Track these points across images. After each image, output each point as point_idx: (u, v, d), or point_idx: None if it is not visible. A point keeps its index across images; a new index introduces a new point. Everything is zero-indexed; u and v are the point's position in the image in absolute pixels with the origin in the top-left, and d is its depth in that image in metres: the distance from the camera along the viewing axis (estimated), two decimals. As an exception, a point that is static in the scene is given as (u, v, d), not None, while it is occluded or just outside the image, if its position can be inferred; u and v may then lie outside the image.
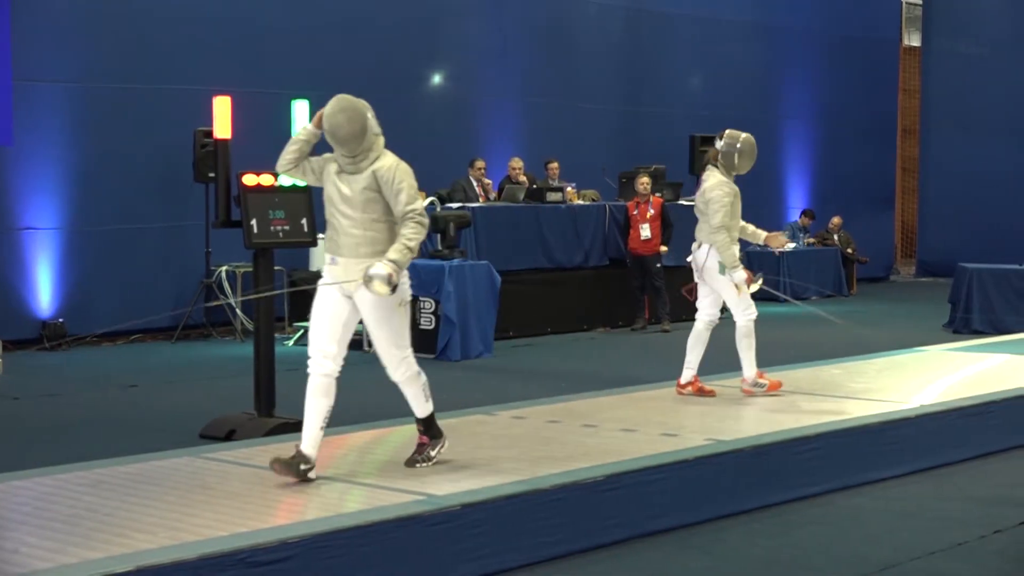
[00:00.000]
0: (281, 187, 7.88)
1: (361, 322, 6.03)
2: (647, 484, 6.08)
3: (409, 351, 6.05)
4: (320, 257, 7.22)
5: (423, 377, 6.13)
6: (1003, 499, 6.89)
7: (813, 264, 18.71)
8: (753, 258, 16.02)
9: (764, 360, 8.54)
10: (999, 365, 9.98)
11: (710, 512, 6.31)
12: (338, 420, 7.30)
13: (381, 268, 5.68)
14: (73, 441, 8.22)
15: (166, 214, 13.66)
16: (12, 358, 11.44)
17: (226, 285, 13.25)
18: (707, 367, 8.53)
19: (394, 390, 6.17)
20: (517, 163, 15.20)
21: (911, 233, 24.24)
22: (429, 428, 6.22)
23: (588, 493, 5.84)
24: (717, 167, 8.27)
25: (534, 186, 14.71)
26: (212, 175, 9.40)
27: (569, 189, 14.86)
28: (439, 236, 12.60)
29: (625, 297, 14.72)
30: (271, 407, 7.99)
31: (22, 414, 9.28)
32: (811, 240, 19.77)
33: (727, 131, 8.33)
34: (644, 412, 7.80)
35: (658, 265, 14.49)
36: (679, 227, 14.39)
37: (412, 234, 5.80)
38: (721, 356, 8.94)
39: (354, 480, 5.93)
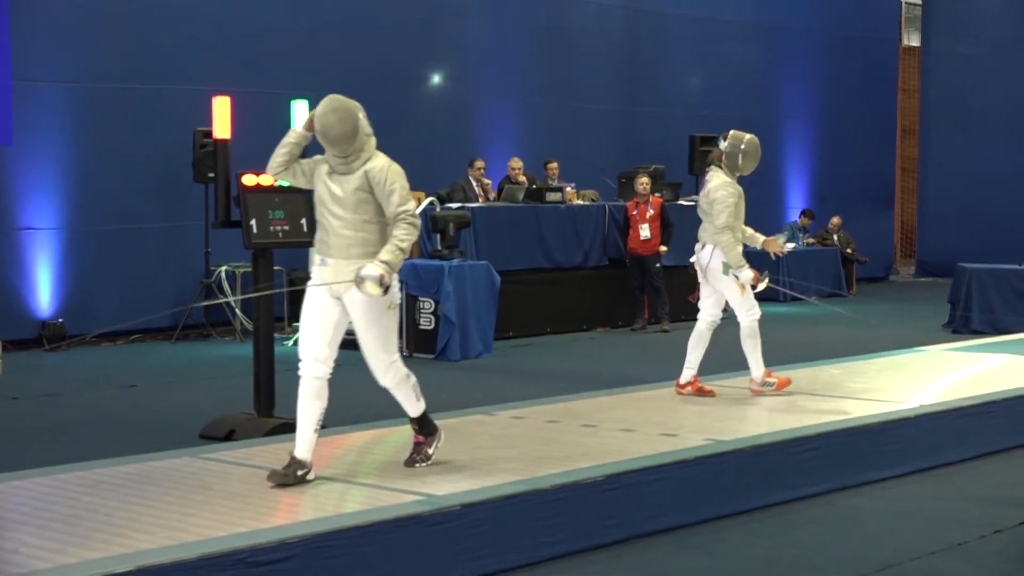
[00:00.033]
0: (281, 187, 7.87)
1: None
2: (647, 484, 6.07)
3: (397, 355, 6.03)
4: (318, 258, 7.20)
5: (412, 378, 6.11)
6: (1003, 499, 6.89)
7: (813, 264, 18.70)
8: (752, 259, 15.97)
9: (765, 360, 8.53)
10: (999, 365, 9.98)
11: (710, 512, 6.31)
12: (337, 420, 7.32)
13: (373, 269, 5.65)
14: (72, 441, 8.22)
15: (166, 214, 13.66)
16: (12, 358, 11.44)
17: (225, 285, 13.24)
18: (707, 367, 8.53)
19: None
20: (516, 163, 15.20)
21: (911, 233, 24.25)
22: (424, 426, 6.22)
23: (588, 493, 5.84)
24: (721, 168, 8.27)
25: (533, 186, 14.71)
26: (212, 175, 9.41)
27: (568, 189, 14.86)
28: (439, 236, 12.59)
29: (624, 297, 14.72)
30: (271, 407, 7.99)
31: (22, 414, 9.27)
32: (811, 240, 19.77)
33: (731, 132, 8.33)
34: (643, 412, 7.80)
35: (657, 265, 14.49)
36: (678, 227, 14.40)
37: (404, 235, 5.77)
38: (722, 356, 8.95)
39: (354, 480, 5.93)
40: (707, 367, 8.53)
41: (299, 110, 7.53)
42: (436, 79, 16.61)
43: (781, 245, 8.91)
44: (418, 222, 5.89)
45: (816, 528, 6.28)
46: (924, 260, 22.64)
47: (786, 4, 21.12)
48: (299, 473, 5.78)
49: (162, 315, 12.72)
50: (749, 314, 8.27)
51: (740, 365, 8.75)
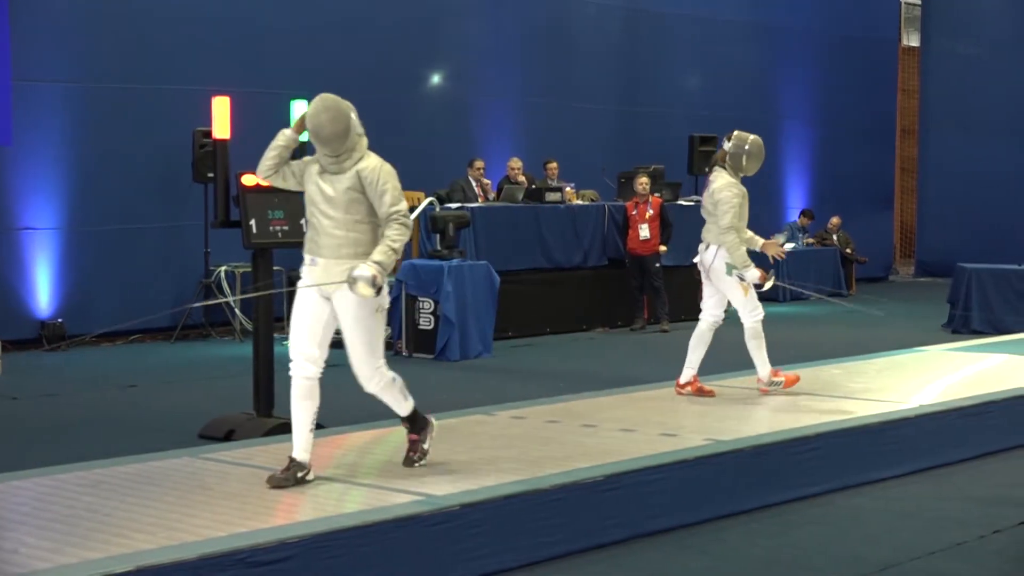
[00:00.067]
0: (280, 187, 7.85)
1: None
2: (646, 484, 6.08)
3: (382, 360, 5.99)
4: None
5: (398, 380, 6.09)
6: (1002, 499, 6.89)
7: (812, 264, 18.70)
8: (752, 259, 15.98)
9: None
10: (998, 365, 9.98)
11: (709, 512, 6.31)
12: (338, 420, 7.33)
13: (365, 270, 5.62)
14: (72, 441, 8.22)
15: (165, 214, 13.66)
16: (11, 358, 11.44)
17: (225, 285, 13.24)
18: (707, 367, 8.53)
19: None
20: (516, 163, 15.19)
21: (910, 233, 24.25)
22: (415, 423, 6.22)
23: (587, 493, 5.84)
24: (725, 168, 8.27)
25: (533, 186, 14.71)
26: (211, 175, 9.40)
27: (568, 189, 14.85)
28: (438, 236, 12.59)
29: (624, 297, 14.71)
30: (270, 407, 7.99)
31: (21, 414, 9.27)
32: (810, 240, 19.76)
33: (735, 132, 8.33)
34: (643, 412, 7.80)
35: (657, 265, 14.49)
36: (678, 227, 14.41)
37: (396, 235, 5.75)
38: (722, 356, 8.95)
39: (353, 480, 5.93)
40: (707, 367, 8.52)
41: (299, 110, 7.50)
42: (436, 79, 16.60)
43: (781, 248, 8.91)
44: (410, 222, 5.88)
45: (816, 528, 6.28)
46: (924, 260, 22.64)
47: (786, 4, 21.12)
48: (298, 475, 5.78)
49: (162, 315, 12.71)
50: (752, 315, 8.27)
51: (740, 365, 8.76)
